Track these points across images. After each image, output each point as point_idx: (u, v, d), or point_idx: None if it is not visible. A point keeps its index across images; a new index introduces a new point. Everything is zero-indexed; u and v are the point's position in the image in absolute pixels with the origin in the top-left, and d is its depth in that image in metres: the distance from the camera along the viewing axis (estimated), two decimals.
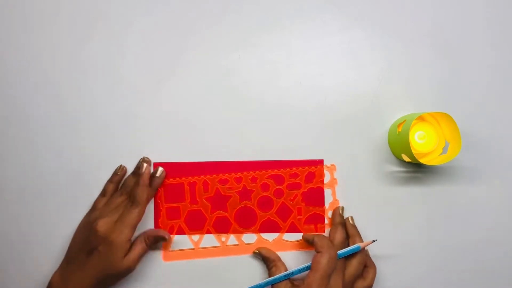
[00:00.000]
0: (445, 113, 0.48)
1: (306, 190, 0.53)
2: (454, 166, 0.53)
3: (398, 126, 0.51)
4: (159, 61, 0.54)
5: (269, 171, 0.53)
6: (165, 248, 0.52)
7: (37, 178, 0.53)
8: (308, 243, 0.51)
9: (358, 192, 0.53)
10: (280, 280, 0.48)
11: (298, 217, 0.53)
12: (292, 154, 0.53)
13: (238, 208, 0.53)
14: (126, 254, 0.48)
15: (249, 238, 0.53)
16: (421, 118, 0.51)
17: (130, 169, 0.53)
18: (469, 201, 0.53)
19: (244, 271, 0.52)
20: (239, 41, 0.54)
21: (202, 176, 0.53)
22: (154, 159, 0.53)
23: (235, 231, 0.53)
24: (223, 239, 0.53)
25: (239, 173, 0.53)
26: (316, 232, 0.52)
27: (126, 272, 0.48)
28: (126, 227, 0.48)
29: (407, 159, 0.51)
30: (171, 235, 0.52)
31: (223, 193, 0.53)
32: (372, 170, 0.53)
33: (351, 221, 0.52)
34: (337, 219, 0.52)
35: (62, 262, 0.50)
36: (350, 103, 0.54)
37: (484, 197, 0.53)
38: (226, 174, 0.53)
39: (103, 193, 0.52)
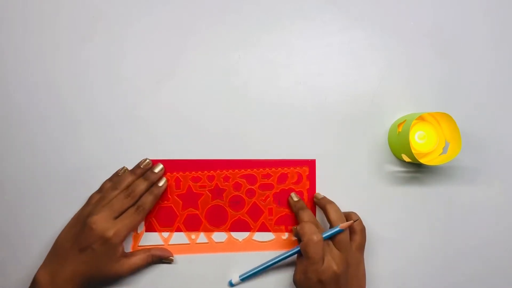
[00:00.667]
0: (445, 113, 0.48)
1: (278, 191, 0.53)
2: (454, 166, 0.53)
3: (398, 126, 0.51)
4: (159, 61, 0.54)
5: (242, 170, 0.53)
6: (134, 242, 0.52)
7: (37, 178, 0.53)
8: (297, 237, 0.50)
9: (358, 192, 0.53)
10: (271, 265, 0.50)
11: (269, 217, 0.53)
12: (292, 153, 0.53)
13: (209, 206, 0.53)
14: (119, 257, 0.48)
15: (219, 236, 0.53)
16: (421, 118, 0.51)
17: (129, 168, 0.53)
18: (469, 201, 0.53)
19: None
20: (239, 41, 0.54)
21: (174, 173, 0.53)
22: (154, 158, 0.53)
23: (205, 229, 0.53)
24: (193, 236, 0.53)
25: (211, 172, 0.53)
26: (286, 230, 0.53)
27: (117, 277, 0.48)
28: (125, 230, 0.48)
29: (407, 159, 0.51)
30: (141, 230, 0.53)
31: (195, 191, 0.53)
32: (372, 170, 0.53)
33: (318, 196, 0.52)
34: (297, 206, 0.51)
35: (47, 258, 0.49)
36: (350, 103, 0.54)
37: (484, 197, 0.53)
38: (199, 172, 0.53)
39: (99, 190, 0.52)
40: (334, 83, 0.54)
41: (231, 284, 0.51)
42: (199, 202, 0.53)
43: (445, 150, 0.51)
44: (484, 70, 0.54)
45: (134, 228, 0.50)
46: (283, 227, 0.53)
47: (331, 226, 0.48)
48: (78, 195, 0.53)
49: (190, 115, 0.54)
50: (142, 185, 0.51)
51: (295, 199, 0.52)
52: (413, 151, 0.48)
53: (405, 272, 0.52)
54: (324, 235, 0.47)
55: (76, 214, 0.51)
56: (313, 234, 0.46)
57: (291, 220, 0.53)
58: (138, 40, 0.55)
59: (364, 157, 0.53)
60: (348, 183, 0.53)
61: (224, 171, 0.53)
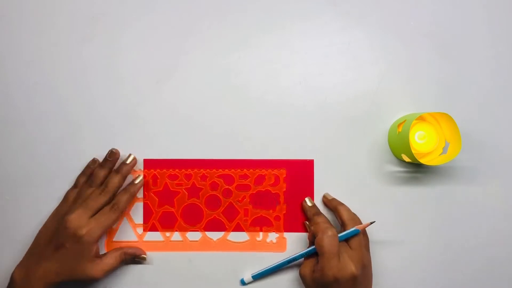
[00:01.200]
0: (445, 113, 0.48)
1: (254, 192, 0.53)
2: (454, 166, 0.53)
3: (398, 126, 0.51)
4: (159, 61, 0.54)
5: (220, 170, 0.53)
6: (109, 238, 0.52)
7: (37, 178, 0.53)
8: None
9: (358, 192, 0.53)
10: (283, 265, 0.50)
11: (245, 218, 0.53)
12: (292, 153, 0.53)
13: (185, 204, 0.53)
14: (93, 257, 0.48)
15: (194, 235, 0.53)
16: (421, 118, 0.51)
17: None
18: (469, 201, 0.53)
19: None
20: (239, 41, 0.54)
21: (152, 170, 0.53)
22: (151, 158, 0.53)
23: (180, 228, 0.53)
24: (168, 234, 0.53)
25: (189, 170, 0.53)
26: (261, 232, 0.53)
27: (91, 277, 0.47)
28: (99, 229, 0.48)
29: (407, 159, 0.51)
30: (115, 226, 0.53)
31: (171, 189, 0.53)
32: (372, 170, 0.53)
33: (328, 197, 0.52)
34: (311, 211, 0.51)
35: (24, 256, 0.49)
36: (350, 103, 0.54)
37: (484, 197, 0.53)
38: (176, 170, 0.53)
39: (75, 185, 0.52)
40: (334, 83, 0.54)
41: (243, 282, 0.51)
42: (175, 200, 0.53)
43: (445, 150, 0.51)
44: (484, 70, 0.54)
45: (109, 227, 0.49)
46: (258, 228, 0.53)
47: (343, 226, 0.49)
48: None
49: (190, 116, 0.54)
50: (115, 179, 0.50)
51: (310, 204, 0.52)
52: (413, 151, 0.48)
53: (405, 272, 0.52)
54: (340, 235, 0.47)
55: (53, 211, 0.51)
56: (328, 229, 0.46)
57: (266, 221, 0.53)
58: (138, 40, 0.55)
59: (364, 157, 0.53)
60: (348, 183, 0.53)
61: (202, 170, 0.53)
